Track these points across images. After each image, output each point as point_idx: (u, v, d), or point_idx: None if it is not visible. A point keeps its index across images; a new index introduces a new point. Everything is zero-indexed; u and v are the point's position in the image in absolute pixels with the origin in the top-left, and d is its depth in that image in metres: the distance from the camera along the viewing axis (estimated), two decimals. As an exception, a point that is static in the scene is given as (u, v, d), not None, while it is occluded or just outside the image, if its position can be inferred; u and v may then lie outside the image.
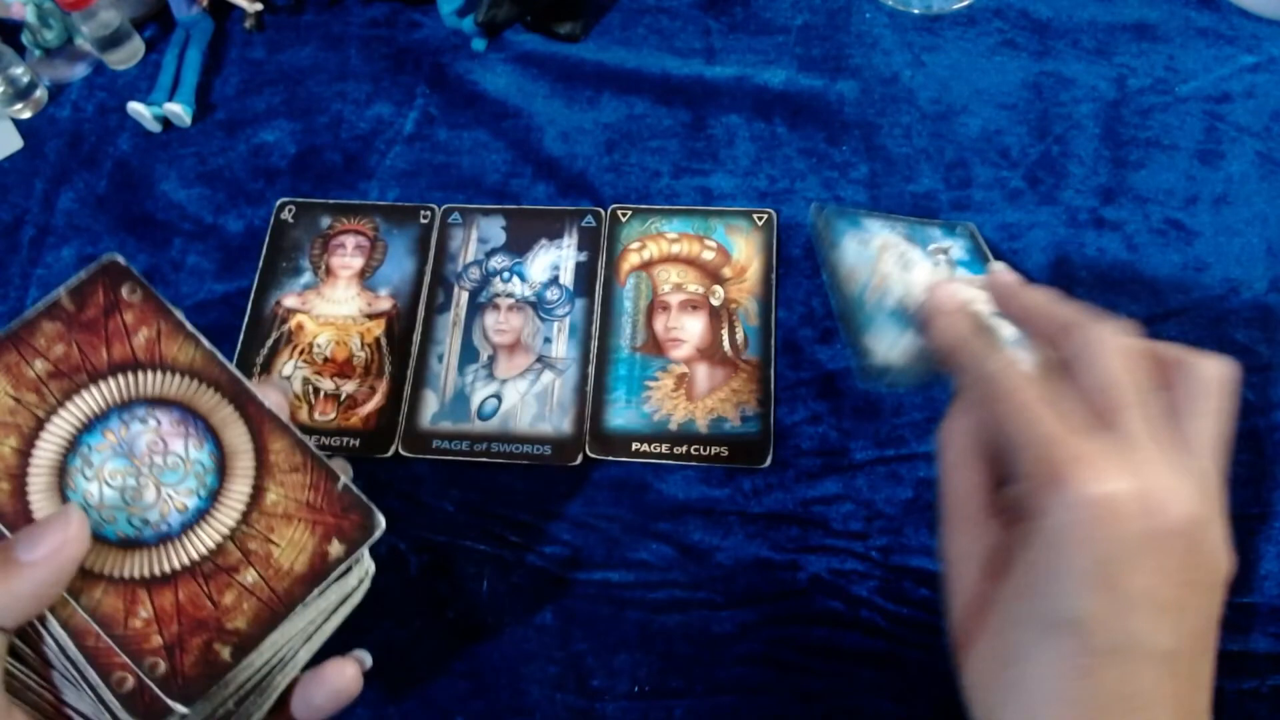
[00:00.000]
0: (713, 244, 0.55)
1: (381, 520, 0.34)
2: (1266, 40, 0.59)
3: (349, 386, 0.53)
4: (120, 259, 0.37)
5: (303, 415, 0.52)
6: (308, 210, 0.59)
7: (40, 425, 0.34)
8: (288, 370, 0.53)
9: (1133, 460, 0.30)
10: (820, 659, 0.45)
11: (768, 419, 0.50)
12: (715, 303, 0.53)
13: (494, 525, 0.49)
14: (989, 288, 0.39)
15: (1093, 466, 0.30)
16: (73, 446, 0.34)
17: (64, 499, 0.33)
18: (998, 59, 0.60)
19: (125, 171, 0.62)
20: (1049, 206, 0.55)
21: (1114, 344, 0.32)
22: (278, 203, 0.59)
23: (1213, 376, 0.32)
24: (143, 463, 0.34)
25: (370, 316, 0.55)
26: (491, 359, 0.53)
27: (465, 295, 0.55)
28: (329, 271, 0.56)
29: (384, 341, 0.54)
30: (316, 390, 0.53)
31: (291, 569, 0.33)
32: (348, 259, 0.57)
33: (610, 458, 0.50)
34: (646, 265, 0.55)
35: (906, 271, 0.47)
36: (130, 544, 0.33)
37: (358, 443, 0.51)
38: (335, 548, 0.33)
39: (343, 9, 0.67)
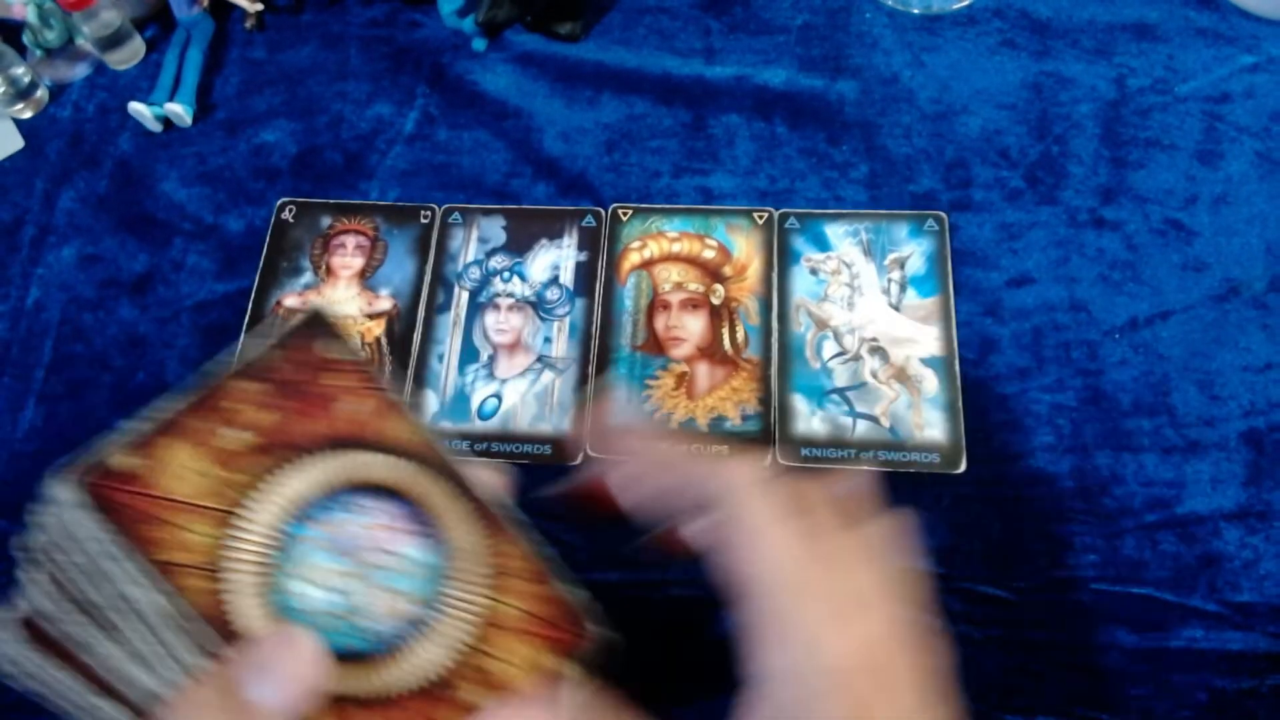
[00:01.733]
0: (713, 242, 0.55)
1: (614, 637, 0.30)
2: (1266, 40, 0.59)
3: (349, 386, 0.53)
4: (328, 313, 0.30)
5: (303, 415, 0.52)
6: (308, 210, 0.59)
7: (245, 511, 0.28)
8: (288, 370, 0.53)
9: None
10: (820, 658, 0.45)
11: (768, 418, 0.50)
12: (716, 301, 0.53)
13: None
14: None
15: None
16: (281, 539, 0.28)
17: (270, 602, 0.27)
18: (997, 59, 0.60)
19: (126, 171, 0.62)
20: (1049, 206, 0.55)
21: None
22: (278, 202, 0.59)
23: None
24: (363, 562, 0.28)
25: (371, 316, 0.55)
26: (491, 359, 0.53)
27: (465, 295, 0.55)
28: (329, 271, 0.56)
29: (384, 341, 0.54)
30: (317, 390, 0.53)
31: (518, 687, 0.28)
32: (348, 259, 0.57)
33: (610, 457, 0.50)
34: (647, 264, 0.55)
35: (851, 310, 0.50)
36: (348, 657, 0.27)
37: (358, 442, 0.51)
38: (565, 664, 0.29)
39: (343, 9, 0.67)
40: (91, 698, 0.28)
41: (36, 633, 0.28)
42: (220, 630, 0.26)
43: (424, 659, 0.28)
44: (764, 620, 0.27)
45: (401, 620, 0.28)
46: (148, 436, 0.28)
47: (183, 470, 0.27)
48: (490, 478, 0.31)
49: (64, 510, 0.27)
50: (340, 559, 0.28)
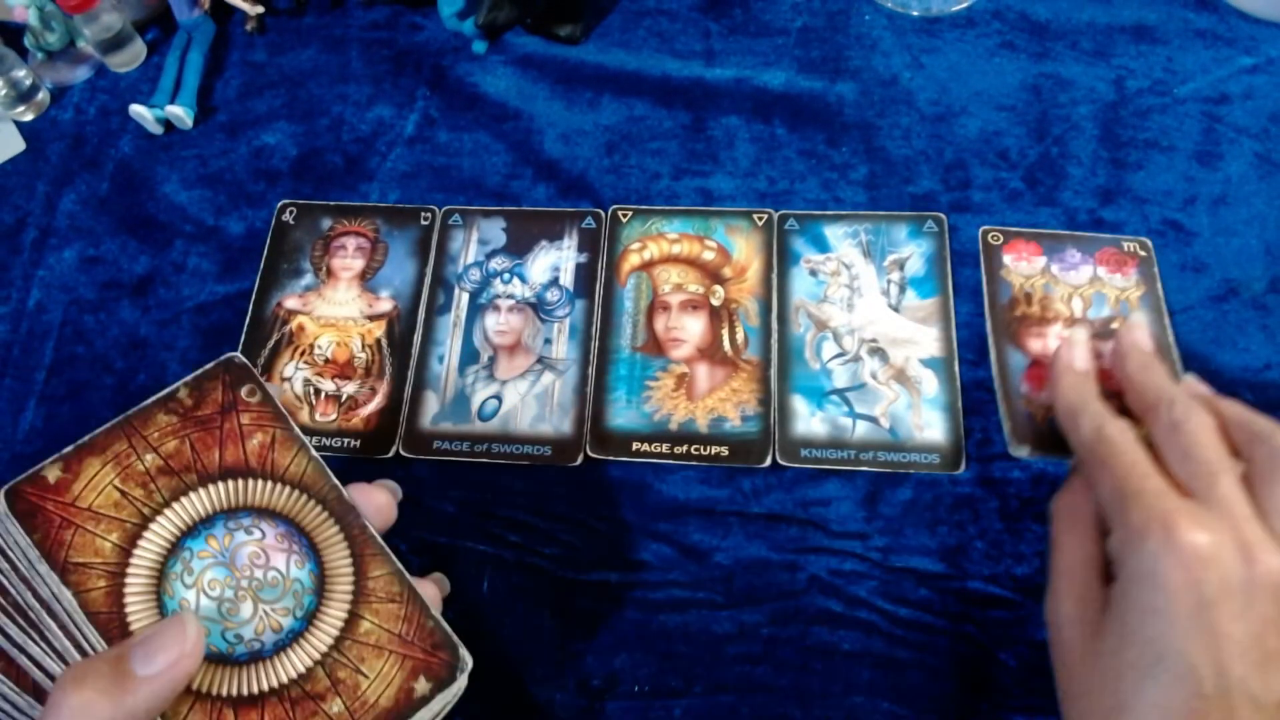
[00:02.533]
0: (713, 244, 0.55)
1: (469, 661, 0.33)
2: (1265, 42, 0.59)
3: (350, 388, 0.53)
4: (242, 358, 0.35)
5: (304, 417, 0.52)
6: (309, 212, 0.59)
7: (145, 523, 0.32)
8: (289, 372, 0.53)
9: (1230, 517, 0.33)
10: (820, 659, 0.45)
11: (768, 419, 0.50)
12: (715, 303, 0.53)
13: (494, 525, 0.49)
14: (1116, 342, 0.42)
15: (1195, 518, 0.33)
16: (174, 550, 0.32)
17: (160, 604, 0.31)
18: (996, 61, 0.60)
19: (127, 173, 0.62)
20: (1048, 208, 0.55)
21: (1204, 421, 0.36)
22: (279, 205, 0.59)
23: None
24: (243, 575, 0.32)
25: (371, 318, 0.55)
26: (492, 360, 0.53)
27: (466, 296, 0.55)
28: (330, 273, 0.57)
29: (385, 343, 0.54)
30: (317, 391, 0.53)
31: (377, 703, 0.32)
32: (348, 260, 0.57)
33: (610, 458, 0.50)
34: (647, 265, 0.55)
35: (850, 312, 0.51)
36: (221, 660, 0.31)
37: (358, 444, 0.51)
38: (421, 685, 0.32)
39: (344, 12, 0.67)
40: (16, 697, 0.32)
41: None
42: (119, 627, 0.31)
43: (287, 666, 0.32)
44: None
45: (271, 630, 0.32)
46: (74, 453, 0.33)
47: (100, 484, 0.32)
48: (376, 492, 0.36)
49: (4, 521, 0.31)
50: (225, 570, 0.32)
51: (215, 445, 0.34)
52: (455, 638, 0.34)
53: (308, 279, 0.56)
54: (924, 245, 0.54)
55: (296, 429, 0.35)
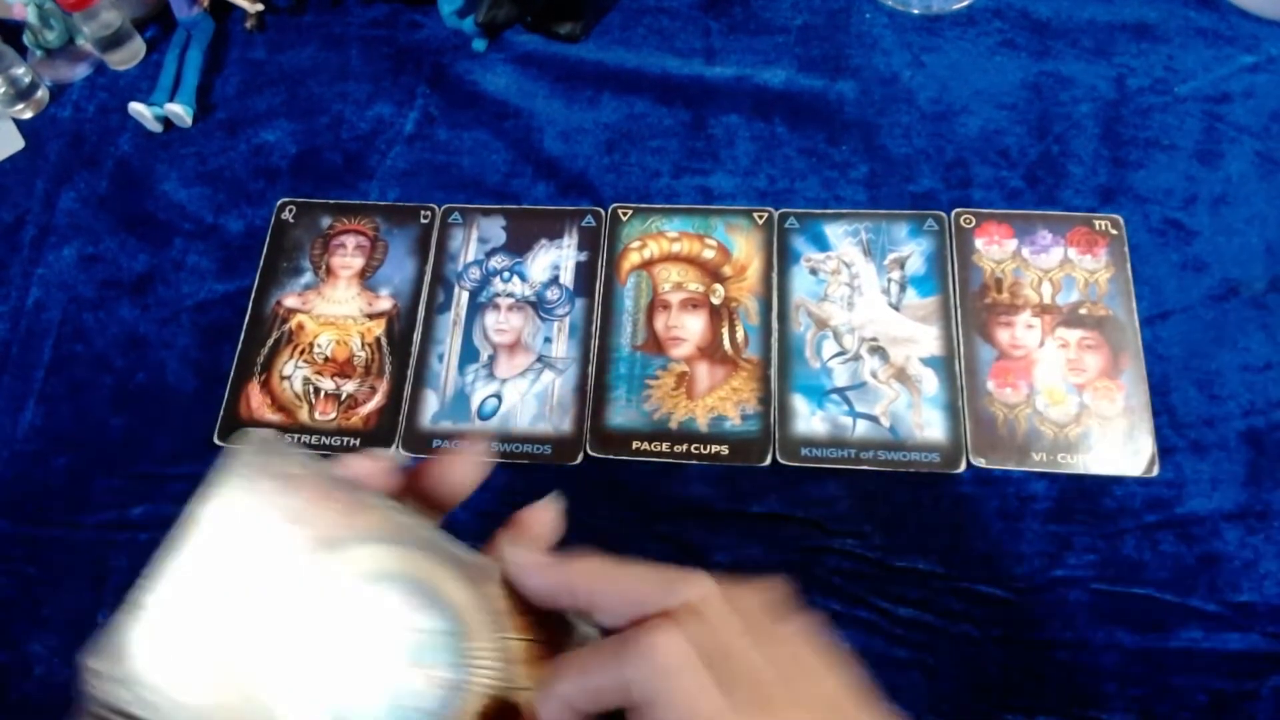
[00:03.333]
0: (713, 243, 0.55)
1: (590, 626, 0.31)
2: (1265, 40, 0.59)
3: (349, 386, 0.53)
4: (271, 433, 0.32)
5: (303, 415, 0.52)
6: (308, 210, 0.59)
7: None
8: (288, 370, 0.53)
9: None
10: (820, 658, 0.45)
11: (768, 418, 0.50)
12: (715, 301, 0.53)
13: (494, 525, 0.49)
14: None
15: None
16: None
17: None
18: (997, 59, 0.60)
19: (126, 171, 0.62)
20: (1048, 206, 0.55)
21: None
22: (278, 203, 0.59)
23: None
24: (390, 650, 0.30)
25: (370, 316, 0.55)
26: (492, 358, 0.53)
27: (465, 295, 0.55)
28: (329, 271, 0.56)
29: (384, 341, 0.54)
30: (317, 390, 0.53)
31: None
32: (348, 259, 0.57)
33: (610, 457, 0.50)
34: (647, 264, 0.55)
35: (850, 310, 0.51)
36: None
37: (358, 442, 0.51)
38: None
39: (343, 9, 0.67)
40: None
41: None
42: None
43: (470, 712, 0.30)
44: None
45: (442, 689, 0.30)
46: None
47: None
48: (548, 515, 0.33)
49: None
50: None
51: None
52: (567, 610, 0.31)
53: (307, 277, 0.56)
54: (924, 244, 0.54)
55: (356, 486, 0.32)
